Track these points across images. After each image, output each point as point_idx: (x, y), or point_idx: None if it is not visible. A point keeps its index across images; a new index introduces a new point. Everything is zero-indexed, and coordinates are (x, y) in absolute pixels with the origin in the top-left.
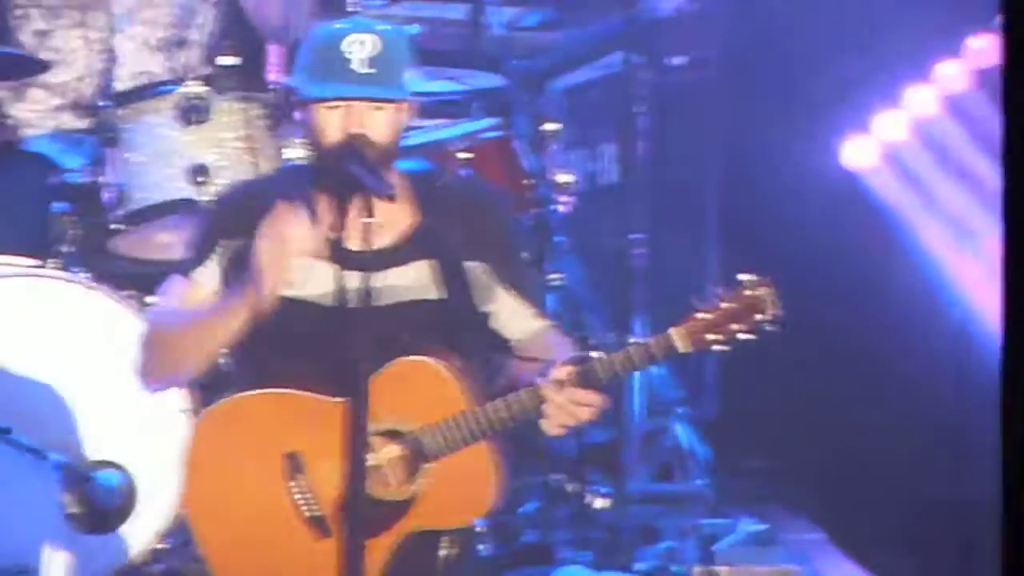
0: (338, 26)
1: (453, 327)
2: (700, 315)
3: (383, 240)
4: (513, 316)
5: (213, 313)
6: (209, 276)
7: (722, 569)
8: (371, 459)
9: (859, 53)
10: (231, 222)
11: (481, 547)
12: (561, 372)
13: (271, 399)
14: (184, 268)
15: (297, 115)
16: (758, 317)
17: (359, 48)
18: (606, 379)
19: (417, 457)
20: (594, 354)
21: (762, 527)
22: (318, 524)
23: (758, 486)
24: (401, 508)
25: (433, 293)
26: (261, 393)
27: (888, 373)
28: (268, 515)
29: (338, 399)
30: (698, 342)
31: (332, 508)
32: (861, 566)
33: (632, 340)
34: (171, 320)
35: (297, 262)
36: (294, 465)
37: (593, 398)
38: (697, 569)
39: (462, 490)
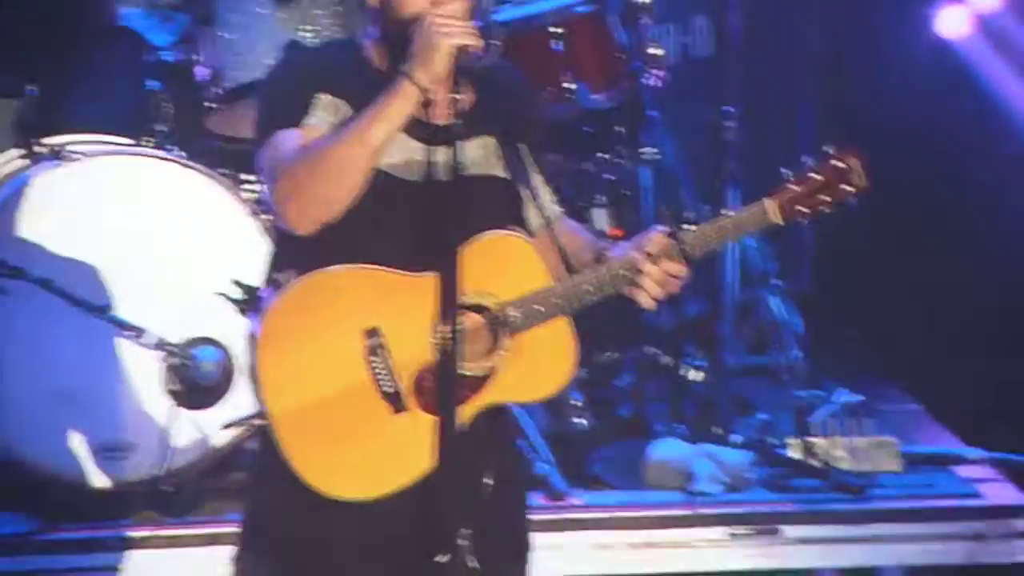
0: None
1: (514, 203)
2: (791, 185)
3: (450, 116)
4: (542, 201)
5: (377, 105)
6: (323, 122)
7: (818, 440)
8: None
9: None
10: (315, 76)
11: (577, 420)
12: (654, 244)
13: (352, 274)
14: (289, 121)
15: None
16: (846, 187)
17: None
18: (699, 251)
19: (498, 331)
20: (687, 227)
21: (857, 398)
22: (395, 399)
23: (853, 358)
24: (479, 382)
25: (498, 170)
26: (342, 269)
27: (984, 244)
28: (344, 389)
29: (419, 274)
30: (789, 212)
31: (409, 383)
32: (957, 436)
33: (724, 212)
34: (318, 144)
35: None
36: (373, 340)
37: (683, 269)
38: (793, 441)
39: (539, 366)
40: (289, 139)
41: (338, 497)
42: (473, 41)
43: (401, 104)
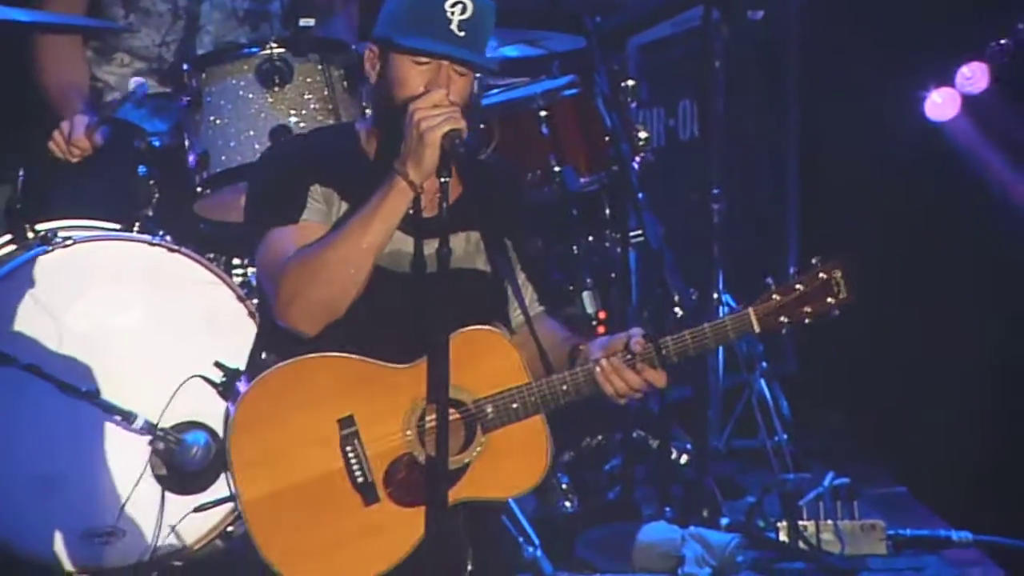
0: None
1: (496, 298)
2: (775, 296)
3: (438, 208)
4: (525, 297)
5: (373, 204)
6: (319, 216)
7: (807, 523)
8: (428, 424)
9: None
10: (314, 167)
11: (567, 504)
12: (639, 349)
13: (327, 363)
14: (289, 217)
15: (373, 67)
16: (830, 300)
17: (460, 10)
18: (678, 358)
19: (474, 427)
20: (666, 338)
21: (844, 481)
22: (367, 489)
23: (839, 440)
24: (454, 477)
25: (481, 263)
26: (318, 357)
27: (969, 329)
28: (316, 477)
29: (395, 366)
30: (770, 324)
31: (380, 474)
32: (944, 519)
33: (701, 324)
34: (318, 245)
35: None
36: (347, 429)
37: (663, 379)
38: (781, 524)
39: (512, 463)
40: (285, 238)
41: None
42: (459, 124)
43: (397, 202)
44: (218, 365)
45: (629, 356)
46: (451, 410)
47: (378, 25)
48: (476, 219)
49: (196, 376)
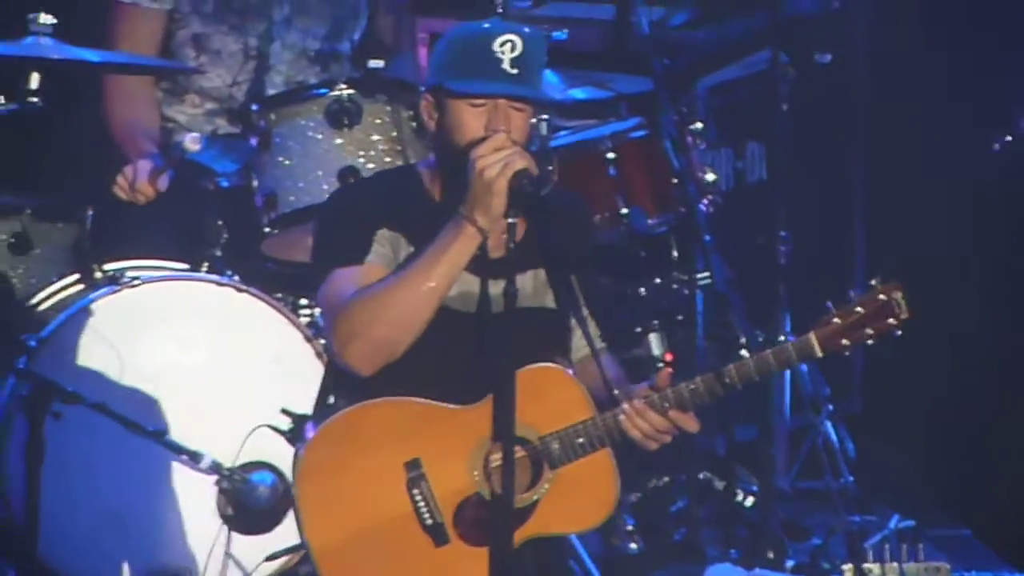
0: (486, 26)
1: (562, 335)
2: (835, 319)
3: (505, 248)
4: (589, 332)
5: (439, 247)
6: (382, 260)
7: (872, 566)
8: (495, 464)
9: (1005, 50)
10: (373, 211)
11: (632, 545)
12: (634, 404)
13: (391, 407)
14: (350, 259)
15: (429, 114)
16: (890, 321)
17: (509, 48)
18: (741, 383)
19: (540, 464)
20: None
21: (909, 523)
22: (437, 531)
23: (905, 482)
24: (522, 515)
25: (548, 300)
26: (382, 401)
27: None
28: (385, 521)
29: (459, 407)
30: (831, 346)
31: (450, 515)
32: (1008, 562)
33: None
34: (379, 287)
35: None
36: (414, 472)
37: (675, 422)
38: (846, 566)
39: (581, 498)
40: (348, 278)
41: None
42: (526, 164)
43: (464, 247)
44: (285, 412)
45: (652, 395)
46: (517, 448)
47: (429, 74)
48: (542, 256)
49: (263, 426)
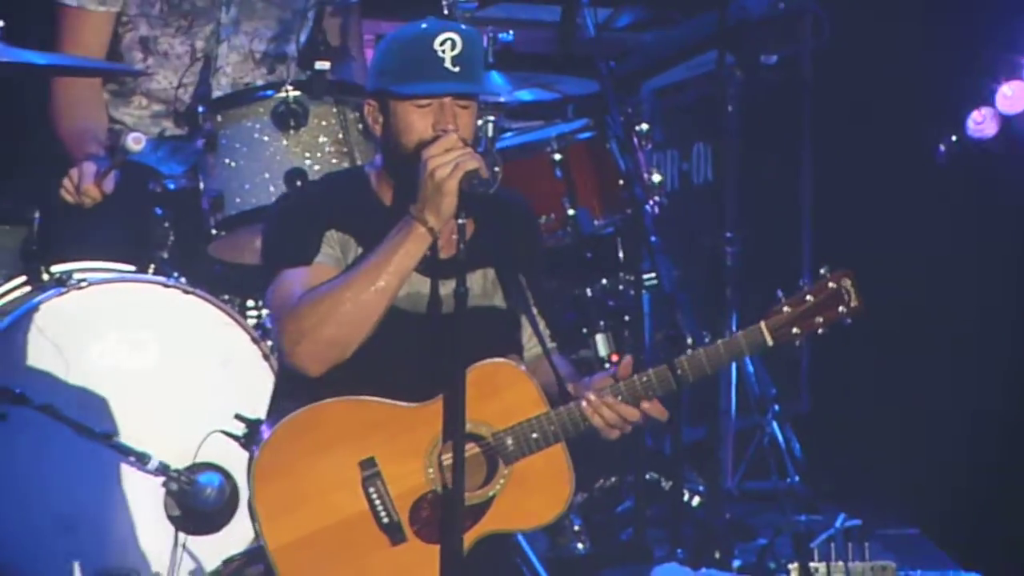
0: (424, 26)
1: (512, 333)
2: (785, 308)
3: (455, 248)
4: (539, 329)
5: (389, 247)
6: (331, 261)
7: (818, 565)
8: (448, 461)
9: (951, 51)
10: (321, 212)
11: (580, 545)
12: (597, 389)
13: (345, 407)
14: (299, 259)
15: (374, 119)
16: (841, 309)
17: (450, 47)
18: (694, 377)
19: (495, 460)
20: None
21: (856, 522)
22: (393, 529)
23: (852, 482)
24: (477, 512)
25: (497, 299)
26: (335, 401)
27: (984, 363)
28: (343, 523)
29: (412, 405)
30: (782, 335)
31: (406, 514)
32: (955, 560)
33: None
34: (326, 288)
35: None
36: (369, 471)
37: (635, 412)
38: (792, 565)
39: (536, 493)
40: (297, 279)
41: None
42: (477, 165)
43: (414, 248)
44: (239, 417)
45: (615, 383)
46: (471, 444)
47: (371, 80)
48: (491, 255)
49: (217, 431)
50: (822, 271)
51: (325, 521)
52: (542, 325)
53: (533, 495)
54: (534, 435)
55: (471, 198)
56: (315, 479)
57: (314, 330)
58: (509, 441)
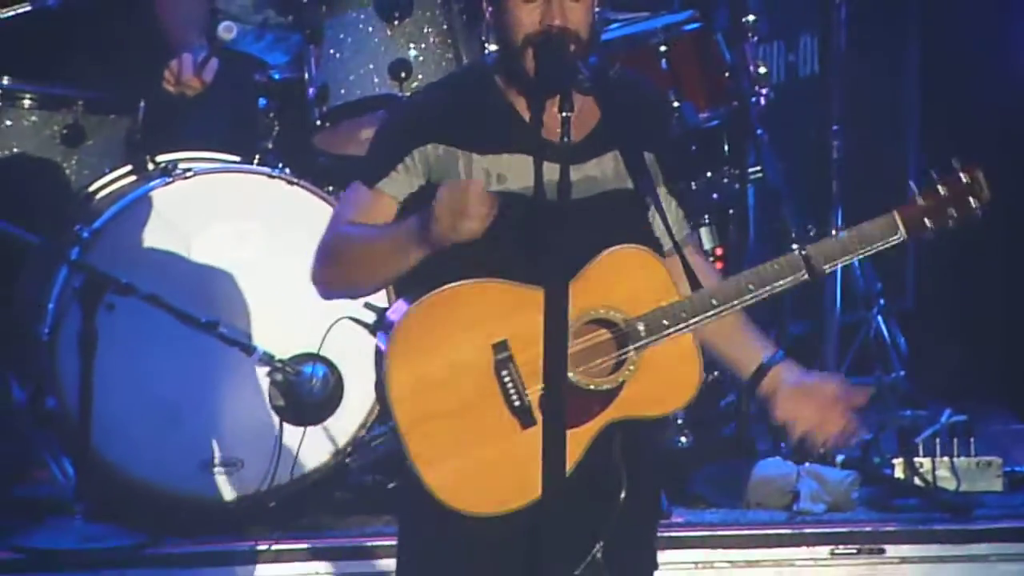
0: None
1: (643, 217)
2: (919, 200)
3: (578, 134)
4: (670, 218)
5: (392, 241)
6: (396, 188)
7: (923, 460)
8: (579, 346)
9: None
10: (420, 126)
11: (682, 439)
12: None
13: (478, 289)
14: (368, 176)
15: (488, 13)
16: (973, 201)
17: None
18: (828, 267)
19: (627, 345)
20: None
21: (961, 418)
22: (525, 413)
23: (957, 377)
24: (607, 397)
25: (625, 183)
26: (468, 283)
27: None
28: (473, 402)
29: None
30: (916, 227)
31: (537, 397)
32: None
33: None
34: (352, 235)
35: (505, 158)
36: (502, 354)
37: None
38: (896, 460)
39: (666, 380)
40: (354, 199)
41: (465, 511)
42: (479, 227)
43: (421, 253)
44: (368, 306)
45: (743, 277)
46: (603, 330)
47: None
48: (617, 139)
49: (345, 318)
50: (953, 163)
51: (457, 402)
52: (674, 210)
53: (663, 381)
54: (665, 322)
55: (579, 92)
56: (447, 360)
57: (334, 264)
58: (641, 327)
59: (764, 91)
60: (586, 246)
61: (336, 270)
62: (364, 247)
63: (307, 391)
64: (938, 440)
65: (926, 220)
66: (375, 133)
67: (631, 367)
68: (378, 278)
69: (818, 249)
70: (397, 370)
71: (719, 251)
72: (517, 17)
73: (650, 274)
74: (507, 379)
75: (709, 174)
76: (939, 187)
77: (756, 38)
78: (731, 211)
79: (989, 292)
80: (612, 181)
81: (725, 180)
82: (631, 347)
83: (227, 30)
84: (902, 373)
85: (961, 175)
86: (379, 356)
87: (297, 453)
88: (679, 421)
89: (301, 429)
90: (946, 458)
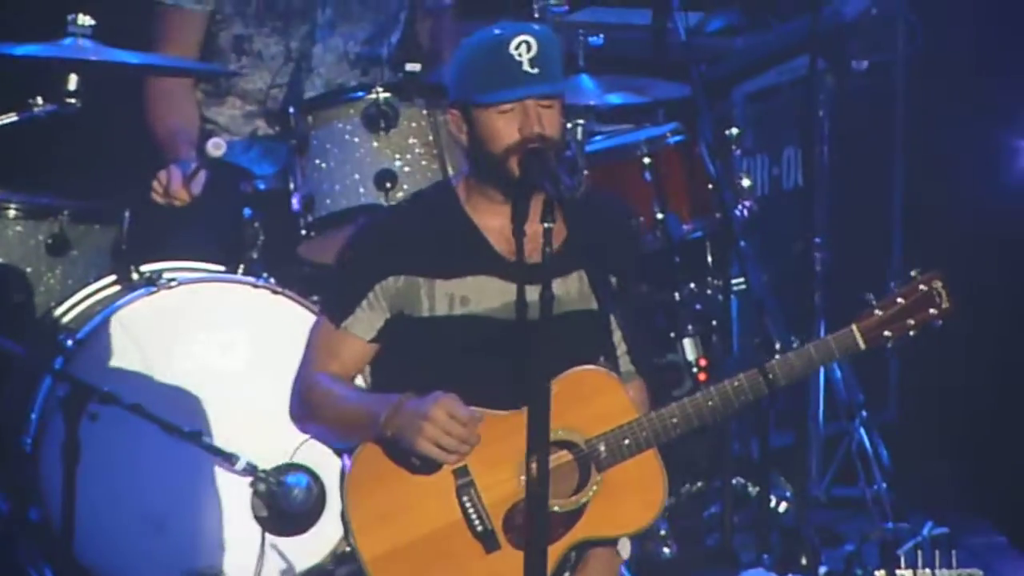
0: (497, 32)
1: (605, 337)
2: (877, 311)
3: (540, 253)
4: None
5: (368, 417)
6: (362, 328)
7: (905, 572)
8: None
9: None
10: (381, 257)
11: (666, 550)
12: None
13: None
14: (334, 313)
15: (465, 133)
16: (931, 311)
17: (526, 49)
18: (785, 381)
19: (588, 467)
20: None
21: (943, 531)
22: (487, 538)
23: (939, 489)
24: (571, 518)
25: (588, 304)
26: None
27: None
28: (435, 529)
29: (505, 413)
30: (873, 337)
31: (500, 522)
32: None
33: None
34: (326, 395)
35: (469, 281)
36: (463, 479)
37: None
38: (879, 573)
39: (629, 500)
40: (322, 338)
41: None
42: (455, 462)
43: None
44: None
45: (708, 390)
46: (564, 451)
47: (452, 91)
48: (585, 259)
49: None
50: (912, 273)
51: (419, 530)
52: (620, 340)
53: (626, 501)
54: (626, 442)
55: (557, 202)
56: (408, 488)
57: (308, 417)
58: (602, 448)
59: (747, 203)
60: (552, 365)
61: (309, 424)
62: (336, 414)
63: (290, 501)
64: (920, 552)
65: (885, 331)
66: (338, 262)
67: (593, 488)
68: (349, 442)
69: (780, 366)
70: (357, 498)
71: (703, 362)
72: (496, 129)
73: (608, 394)
74: (468, 505)
75: (693, 285)
76: (898, 298)
77: (740, 151)
78: (714, 322)
79: (970, 405)
80: (576, 302)
81: (708, 291)
82: (592, 467)
83: (216, 147)
84: (884, 485)
85: (920, 285)
86: (343, 480)
87: (280, 563)
88: (662, 532)
89: (283, 539)
90: (928, 570)
